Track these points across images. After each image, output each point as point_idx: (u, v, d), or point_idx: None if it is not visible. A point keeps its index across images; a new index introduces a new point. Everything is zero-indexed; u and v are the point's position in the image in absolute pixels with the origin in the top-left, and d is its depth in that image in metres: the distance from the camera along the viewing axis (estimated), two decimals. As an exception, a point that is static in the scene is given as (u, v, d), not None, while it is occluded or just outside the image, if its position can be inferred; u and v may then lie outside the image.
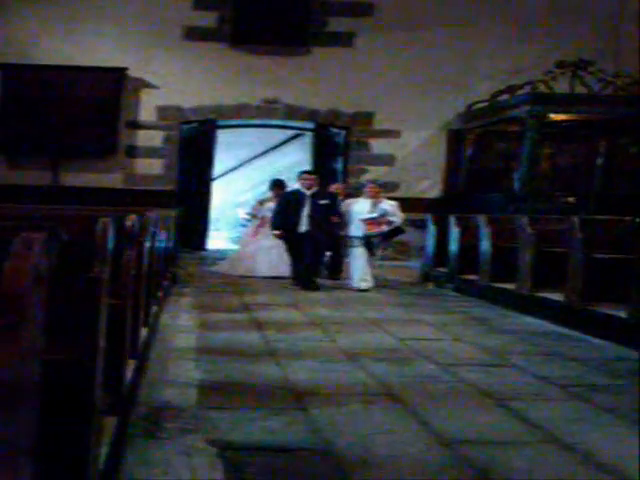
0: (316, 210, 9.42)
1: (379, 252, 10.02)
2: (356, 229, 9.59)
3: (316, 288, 9.34)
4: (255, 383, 4.45)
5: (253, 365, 4.94)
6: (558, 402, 4.25)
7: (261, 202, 11.40)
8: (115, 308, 3.21)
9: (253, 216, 11.48)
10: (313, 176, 9.77)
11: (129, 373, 3.67)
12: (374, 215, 9.50)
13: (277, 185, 11.14)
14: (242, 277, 10.61)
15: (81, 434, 2.31)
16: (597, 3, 13.36)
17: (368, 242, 9.63)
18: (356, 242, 9.63)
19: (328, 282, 10.25)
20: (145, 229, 4.40)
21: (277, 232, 9.77)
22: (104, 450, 2.68)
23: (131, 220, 3.58)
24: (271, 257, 10.77)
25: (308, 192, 9.53)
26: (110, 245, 2.67)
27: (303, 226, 9.44)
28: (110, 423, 2.97)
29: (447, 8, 13.37)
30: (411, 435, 3.51)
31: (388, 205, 9.73)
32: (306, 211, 9.44)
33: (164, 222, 7.61)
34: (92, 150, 13.57)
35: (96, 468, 2.47)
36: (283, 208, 9.65)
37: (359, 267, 9.62)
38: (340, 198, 10.17)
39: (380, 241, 9.86)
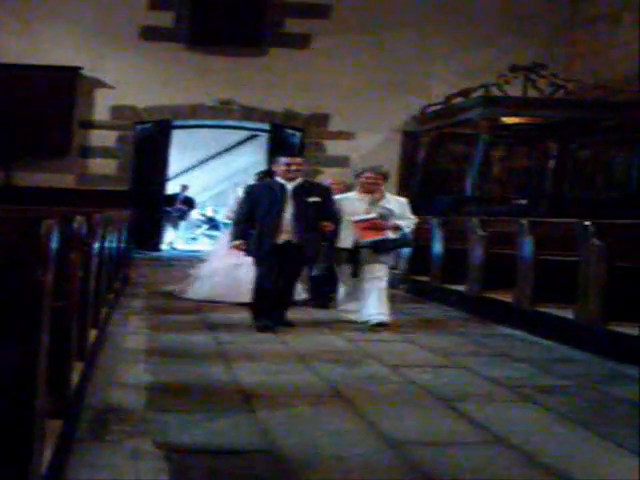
0: (303, 211, 6.46)
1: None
2: (346, 237, 6.80)
3: (267, 329, 6.39)
4: (204, 385, 4.44)
5: (203, 367, 4.93)
6: (506, 403, 4.30)
7: None
8: (60, 311, 3.18)
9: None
10: (300, 159, 6.76)
11: (76, 376, 3.64)
12: (372, 216, 6.72)
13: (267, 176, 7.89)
14: (211, 302, 8.03)
15: (22, 438, 2.28)
16: (549, 9, 13.57)
17: (355, 255, 6.86)
18: (346, 257, 6.90)
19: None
20: (93, 231, 4.36)
21: (238, 242, 6.61)
22: (48, 454, 2.65)
23: (78, 222, 3.54)
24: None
25: (290, 185, 6.51)
26: (54, 248, 2.65)
27: (283, 235, 6.44)
28: (55, 427, 2.94)
29: (403, 12, 13.47)
30: (358, 436, 3.53)
31: (394, 203, 6.97)
32: (289, 212, 6.45)
33: (116, 223, 7.55)
34: (45, 150, 13.40)
35: (38, 473, 2.45)
36: (250, 207, 6.56)
37: (345, 294, 7.13)
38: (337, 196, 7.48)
39: (372, 253, 6.84)
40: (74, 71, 13.36)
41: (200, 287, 8.37)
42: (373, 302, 6.75)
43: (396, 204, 6.95)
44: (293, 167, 6.51)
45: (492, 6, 13.49)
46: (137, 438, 3.36)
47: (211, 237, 17.20)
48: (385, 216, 6.77)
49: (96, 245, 4.61)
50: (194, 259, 10.25)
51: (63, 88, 13.38)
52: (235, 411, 3.87)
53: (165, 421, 3.63)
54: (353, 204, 6.86)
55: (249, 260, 6.92)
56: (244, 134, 17.06)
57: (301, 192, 6.50)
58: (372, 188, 6.88)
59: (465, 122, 11.75)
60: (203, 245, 15.49)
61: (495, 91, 11.39)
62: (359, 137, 13.63)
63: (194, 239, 17.92)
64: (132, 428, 3.51)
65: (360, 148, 13.52)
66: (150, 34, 13.65)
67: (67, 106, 13.38)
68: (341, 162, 13.82)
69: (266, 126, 14.54)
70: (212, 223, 17.66)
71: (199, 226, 18.88)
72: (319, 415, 3.85)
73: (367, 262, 6.81)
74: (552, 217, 10.55)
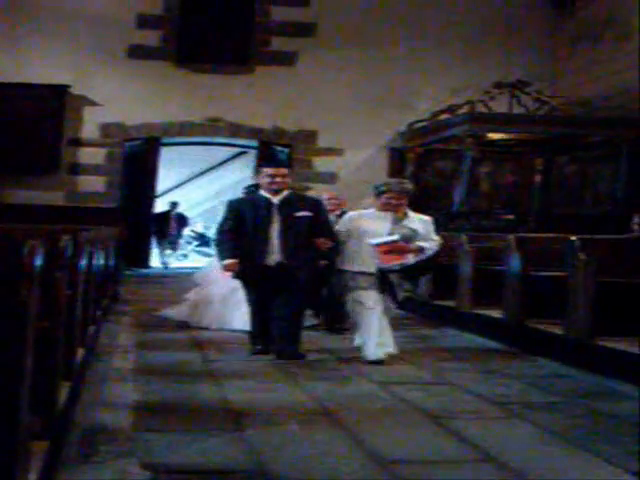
0: (292, 228, 5.83)
1: (400, 295, 6.23)
2: (365, 261, 5.91)
3: (262, 352, 5.96)
4: (193, 404, 4.42)
5: (192, 385, 4.90)
6: (495, 420, 4.30)
7: None
8: (46, 330, 3.16)
9: None
10: (284, 170, 6.03)
11: (63, 396, 3.61)
12: (394, 238, 5.86)
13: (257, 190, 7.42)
14: (208, 330, 7.42)
15: (5, 460, 2.26)
16: (534, 27, 13.71)
17: (383, 281, 5.98)
18: (364, 282, 5.91)
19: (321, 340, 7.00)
20: (80, 249, 4.35)
21: (229, 262, 5.86)
22: (33, 476, 2.63)
23: (63, 241, 3.54)
24: None
25: (276, 199, 5.88)
26: (38, 268, 2.63)
27: (273, 255, 5.81)
28: (42, 447, 2.92)
29: (388, 30, 13.56)
30: (347, 455, 3.51)
31: (418, 222, 6.12)
32: (276, 230, 5.82)
33: (104, 240, 7.53)
34: (34, 167, 13.39)
35: (23, 495, 2.43)
36: (233, 225, 5.89)
37: (372, 325, 5.86)
38: (336, 213, 7.27)
39: (401, 278, 6.11)
40: (62, 89, 13.37)
41: (207, 313, 7.65)
42: (384, 332, 5.93)
43: (420, 223, 6.09)
44: (278, 179, 5.84)
45: (477, 24, 13.59)
46: (124, 459, 3.34)
47: (201, 253, 17.17)
48: (408, 237, 5.94)
49: (83, 263, 4.59)
50: (188, 275, 10.05)
51: (52, 106, 13.39)
52: (224, 430, 3.85)
53: (152, 441, 3.61)
54: (375, 221, 5.98)
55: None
56: (233, 151, 17.09)
57: (288, 206, 5.84)
58: (396, 206, 6.00)
59: (451, 138, 11.81)
60: (194, 262, 15.39)
61: (481, 108, 11.46)
62: (346, 153, 13.67)
63: (185, 256, 17.88)
64: (119, 448, 3.48)
65: (348, 164, 13.56)
66: (138, 52, 13.69)
67: (56, 124, 13.38)
68: (329, 178, 13.85)
69: (254, 143, 14.57)
70: (203, 239, 17.62)
71: (189, 243, 18.87)
72: (308, 434, 3.83)
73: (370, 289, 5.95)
74: (539, 232, 10.61)
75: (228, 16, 13.79)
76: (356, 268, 5.93)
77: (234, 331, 7.13)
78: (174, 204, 16.60)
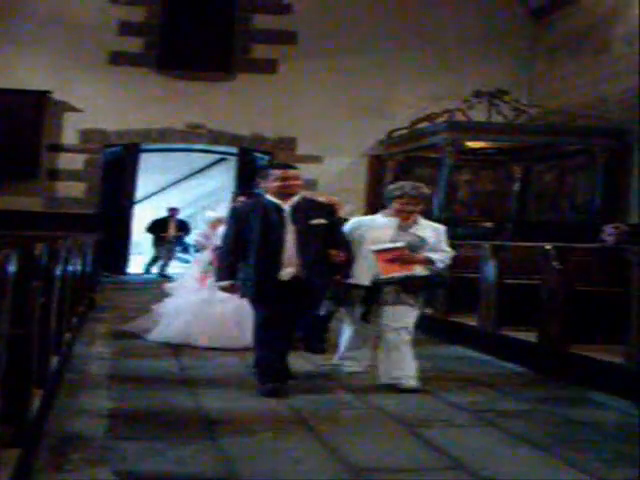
0: (307, 237, 5.07)
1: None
2: (364, 271, 5.32)
3: (276, 392, 4.94)
4: (167, 411, 4.42)
5: (166, 393, 4.91)
6: (468, 428, 4.34)
7: (216, 223, 7.19)
8: (19, 338, 3.16)
9: (199, 248, 7.77)
10: (296, 172, 5.26)
11: (36, 403, 3.61)
12: (399, 245, 5.24)
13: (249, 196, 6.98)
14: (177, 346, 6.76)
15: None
16: (512, 37, 13.80)
17: (375, 294, 5.34)
18: (355, 297, 5.40)
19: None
20: (56, 257, 4.34)
21: (225, 284, 5.17)
22: (3, 484, 2.64)
23: (38, 249, 3.54)
24: (228, 316, 6.77)
25: (286, 205, 5.13)
26: (11, 276, 2.65)
27: (288, 269, 5.01)
28: (13, 455, 2.92)
29: (368, 38, 13.61)
30: (320, 463, 3.53)
31: (429, 230, 5.49)
32: (290, 240, 5.05)
33: (81, 247, 7.51)
34: (12, 173, 13.28)
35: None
36: (238, 235, 5.13)
37: (350, 338, 5.64)
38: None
39: (396, 293, 5.31)
40: (42, 95, 13.30)
41: (167, 327, 7.02)
42: (398, 360, 5.30)
43: (431, 232, 5.43)
44: (291, 181, 5.11)
45: (456, 33, 13.67)
46: (96, 467, 3.35)
47: (181, 260, 17.01)
48: (415, 246, 5.31)
49: (58, 270, 4.59)
50: (163, 281, 10.09)
51: (32, 112, 13.30)
52: (198, 438, 3.86)
53: (125, 449, 3.61)
54: (378, 229, 5.40)
55: (223, 295, 5.82)
56: (212, 157, 17.08)
57: (301, 213, 5.10)
58: (405, 210, 5.38)
59: (431, 146, 11.86)
60: (173, 268, 15.22)
61: (460, 116, 11.53)
62: (326, 161, 13.69)
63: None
64: (91, 456, 3.49)
65: (327, 172, 13.58)
66: (120, 59, 13.64)
67: (36, 130, 13.30)
68: (309, 185, 13.85)
69: (234, 150, 14.57)
70: (182, 246, 17.46)
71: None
72: (282, 442, 3.85)
73: (390, 304, 5.33)
74: (517, 240, 10.67)
75: (210, 23, 13.80)
76: (353, 281, 5.31)
77: (204, 349, 6.62)
78: (173, 210, 15.62)
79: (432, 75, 13.48)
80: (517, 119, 11.77)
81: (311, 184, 13.57)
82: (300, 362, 6.03)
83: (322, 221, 5.11)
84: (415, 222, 5.43)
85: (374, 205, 13.11)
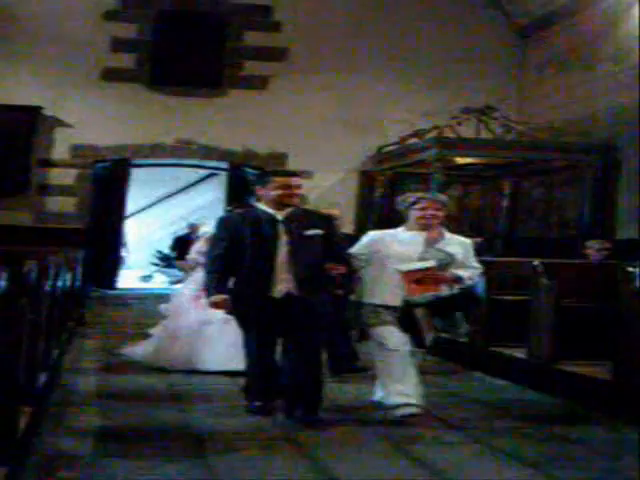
0: (303, 249, 4.72)
1: (429, 336, 5.01)
2: (389, 291, 4.87)
3: (265, 410, 4.83)
4: (156, 428, 4.42)
5: (155, 409, 4.90)
6: (457, 445, 4.33)
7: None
8: (7, 355, 3.16)
9: (191, 267, 7.28)
10: (298, 179, 4.97)
11: (23, 421, 3.60)
12: (429, 264, 4.82)
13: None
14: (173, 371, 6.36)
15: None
16: (501, 54, 13.89)
17: (409, 316, 4.87)
18: (388, 316, 4.85)
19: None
20: (44, 273, 4.35)
21: (218, 299, 4.71)
22: (-10, 503, 2.63)
23: (27, 266, 3.54)
24: (227, 339, 6.23)
25: (280, 215, 4.78)
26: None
27: (280, 285, 4.67)
28: (0, 474, 2.92)
29: (357, 55, 13.66)
30: (307, 480, 3.54)
31: (457, 245, 5.07)
32: (283, 253, 4.69)
33: (70, 262, 7.51)
34: (2, 188, 13.27)
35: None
36: (227, 247, 4.76)
37: (393, 370, 4.87)
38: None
39: (429, 314, 4.91)
40: (34, 110, 13.30)
41: (157, 351, 6.64)
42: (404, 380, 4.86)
43: (458, 247, 5.02)
44: (294, 189, 4.78)
45: (445, 51, 13.72)
46: (84, 485, 3.34)
47: (166, 274, 16.86)
48: (445, 264, 4.89)
49: (47, 287, 4.59)
50: (156, 297, 9.96)
51: (23, 127, 13.30)
52: (185, 456, 3.85)
53: (113, 467, 3.60)
54: (402, 245, 4.91)
55: (220, 315, 5.41)
56: (203, 172, 17.10)
57: (297, 223, 4.73)
58: (429, 223, 4.93)
59: (420, 162, 11.90)
60: (158, 284, 15.09)
61: (448, 132, 11.58)
62: (317, 176, 13.69)
63: (149, 277, 17.66)
64: (78, 474, 3.48)
65: (317, 187, 13.60)
66: (111, 75, 13.65)
67: (27, 145, 13.29)
68: (299, 201, 13.88)
69: (225, 165, 14.59)
70: (169, 261, 17.36)
71: (156, 264, 18.71)
72: (270, 459, 3.85)
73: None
74: (506, 256, 10.70)
75: (201, 40, 13.85)
76: (377, 300, 4.87)
77: (207, 373, 6.23)
78: (193, 226, 14.10)
79: (421, 92, 13.53)
80: (505, 135, 11.83)
81: (301, 199, 13.57)
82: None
83: (318, 231, 4.73)
84: (441, 235, 5.01)
85: (364, 220, 13.19)
